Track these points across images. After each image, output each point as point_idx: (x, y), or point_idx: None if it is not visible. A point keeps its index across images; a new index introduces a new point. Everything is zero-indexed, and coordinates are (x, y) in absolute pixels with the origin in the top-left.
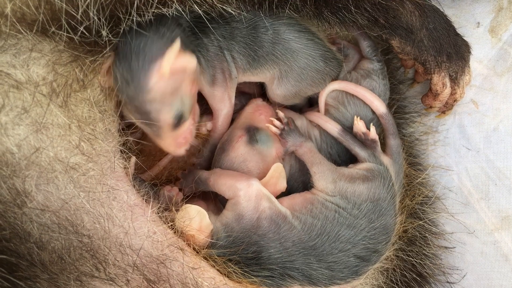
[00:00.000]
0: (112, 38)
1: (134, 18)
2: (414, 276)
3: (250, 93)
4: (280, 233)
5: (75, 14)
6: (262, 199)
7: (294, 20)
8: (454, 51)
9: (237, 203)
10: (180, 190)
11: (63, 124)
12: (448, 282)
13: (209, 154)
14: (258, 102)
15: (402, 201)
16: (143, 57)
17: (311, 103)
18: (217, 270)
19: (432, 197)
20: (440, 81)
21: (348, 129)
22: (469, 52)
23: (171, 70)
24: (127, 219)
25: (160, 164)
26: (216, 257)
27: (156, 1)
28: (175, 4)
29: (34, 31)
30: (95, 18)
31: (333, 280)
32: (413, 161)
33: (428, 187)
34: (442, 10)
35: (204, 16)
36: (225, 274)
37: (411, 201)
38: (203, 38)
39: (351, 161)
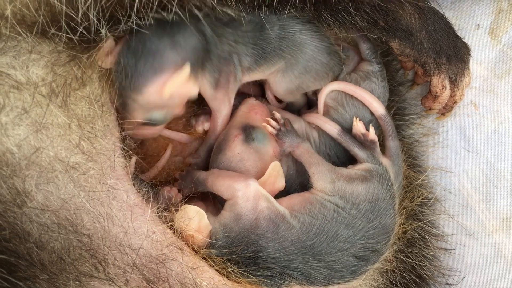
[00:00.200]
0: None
1: (134, 21)
2: (414, 277)
3: (245, 92)
4: (278, 232)
5: (75, 16)
6: (260, 199)
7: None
8: (453, 53)
9: (235, 203)
10: (179, 191)
11: (63, 124)
12: (447, 283)
13: (206, 154)
14: (253, 101)
15: (401, 202)
16: (151, 64)
17: (310, 105)
18: (216, 270)
19: (431, 199)
20: (440, 83)
21: (347, 130)
22: (469, 54)
23: (171, 93)
24: (127, 218)
25: (158, 165)
26: (215, 257)
27: (156, 4)
28: (175, 8)
29: (34, 33)
30: (95, 19)
31: (331, 280)
32: (412, 163)
33: (427, 189)
34: (442, 12)
35: (217, 21)
36: (224, 274)
37: (411, 202)
38: (217, 44)
39: (350, 163)
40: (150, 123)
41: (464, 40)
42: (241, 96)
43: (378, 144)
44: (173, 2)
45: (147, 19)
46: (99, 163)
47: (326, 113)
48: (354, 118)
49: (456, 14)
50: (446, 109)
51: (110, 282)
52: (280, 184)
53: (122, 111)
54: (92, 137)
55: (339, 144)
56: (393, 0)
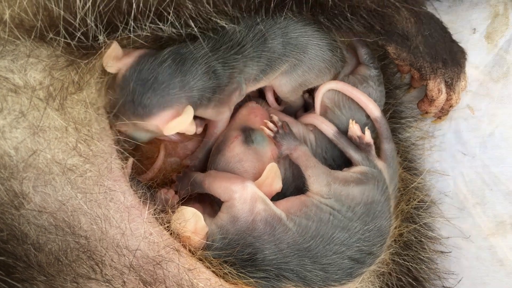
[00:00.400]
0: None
1: (132, 29)
2: (410, 280)
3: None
4: (275, 235)
5: (72, 21)
6: (257, 201)
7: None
8: (449, 58)
9: (232, 205)
10: (176, 192)
11: (60, 127)
12: (443, 286)
13: (204, 156)
14: (253, 104)
15: (397, 205)
16: (158, 99)
17: (306, 108)
18: (213, 271)
19: (427, 202)
20: (436, 87)
21: (343, 132)
22: (465, 58)
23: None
24: (124, 220)
25: (154, 167)
26: (212, 258)
27: (152, 13)
28: (171, 17)
29: (32, 37)
30: (93, 25)
31: (327, 282)
32: (409, 166)
33: (423, 192)
34: (438, 16)
35: (226, 51)
36: (220, 276)
37: (407, 205)
38: (229, 75)
39: (345, 165)
40: (132, 139)
41: (461, 44)
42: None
43: (373, 147)
44: (169, 9)
45: (145, 29)
46: (96, 165)
47: (323, 114)
48: (350, 121)
49: (452, 18)
50: (443, 113)
51: (107, 284)
52: (277, 185)
53: (111, 118)
54: (88, 140)
55: (334, 147)
56: (389, 5)
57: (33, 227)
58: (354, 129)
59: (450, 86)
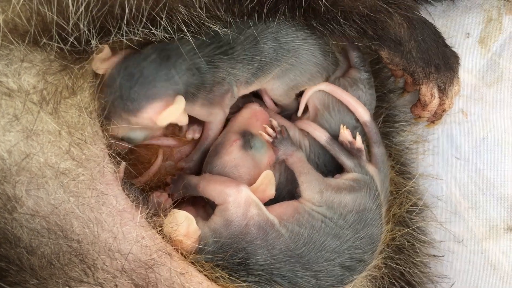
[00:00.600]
0: (100, 45)
1: (124, 33)
2: (403, 284)
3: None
4: (267, 240)
5: (65, 26)
6: (251, 206)
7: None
8: (442, 62)
9: (226, 209)
10: (169, 195)
11: (53, 131)
12: None
13: (199, 159)
14: (255, 107)
15: (390, 209)
16: (145, 92)
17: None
18: (205, 275)
19: (420, 205)
20: (429, 91)
21: (333, 136)
22: (458, 63)
23: (165, 121)
24: (116, 224)
25: (149, 171)
26: (204, 262)
27: (145, 18)
28: (163, 22)
29: (26, 42)
30: (85, 29)
31: None
32: (402, 170)
33: (417, 196)
34: (432, 21)
35: (213, 51)
36: (212, 280)
37: (399, 209)
38: (214, 74)
39: (337, 171)
40: (128, 141)
41: (454, 49)
42: (245, 99)
43: (364, 152)
44: (162, 14)
45: (138, 34)
46: (88, 169)
47: (314, 117)
48: (341, 126)
49: (446, 22)
50: (436, 117)
51: (99, 287)
52: (270, 192)
53: (105, 121)
54: (81, 144)
55: (327, 152)
56: (382, 10)
57: (25, 230)
58: (345, 134)
59: (443, 91)
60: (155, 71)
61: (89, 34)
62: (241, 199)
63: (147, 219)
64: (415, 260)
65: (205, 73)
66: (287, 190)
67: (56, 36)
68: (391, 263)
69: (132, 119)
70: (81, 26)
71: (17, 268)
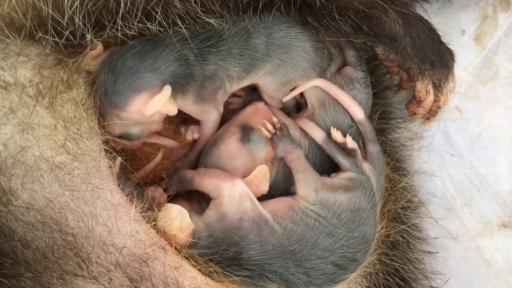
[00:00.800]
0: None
1: (119, 27)
2: (397, 280)
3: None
4: (261, 235)
5: (61, 20)
6: (245, 200)
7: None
8: (437, 59)
9: (220, 203)
10: (165, 190)
11: (49, 125)
12: (431, 286)
13: (195, 159)
14: (260, 105)
15: (385, 205)
16: (129, 84)
17: (299, 108)
18: (198, 269)
19: (415, 202)
20: (424, 88)
21: (328, 134)
22: (453, 60)
23: (152, 112)
24: (111, 218)
25: (146, 168)
26: (198, 257)
27: (140, 12)
28: (159, 16)
29: (22, 36)
30: (81, 23)
31: (309, 286)
32: (397, 166)
33: (411, 192)
34: (427, 18)
35: (201, 43)
36: (206, 274)
37: (394, 205)
38: (202, 66)
39: (333, 170)
40: (126, 137)
41: (450, 46)
42: (252, 97)
43: (359, 152)
44: (157, 9)
45: (133, 29)
46: (84, 163)
47: (311, 115)
48: (332, 128)
49: (442, 20)
50: (431, 114)
51: (94, 281)
52: (264, 188)
53: (100, 118)
54: (77, 138)
55: (324, 152)
56: (377, 6)
57: (20, 223)
58: (336, 135)
59: (438, 88)
60: (140, 62)
61: (84, 28)
62: (235, 192)
63: (141, 213)
64: (410, 256)
65: (194, 65)
66: (283, 188)
67: (52, 30)
68: (385, 260)
69: (121, 114)
70: (76, 20)
71: (11, 261)
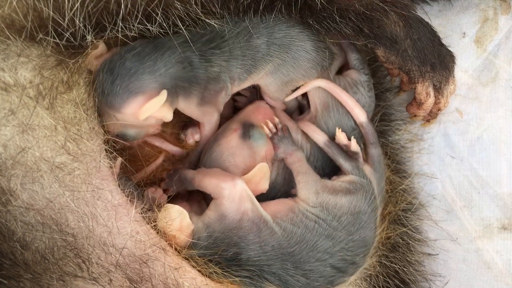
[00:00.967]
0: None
1: (120, 29)
2: (397, 282)
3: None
4: (260, 236)
5: (61, 22)
6: (245, 200)
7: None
8: (438, 61)
9: (220, 203)
10: (165, 191)
11: (49, 125)
12: None
13: (196, 156)
14: (261, 103)
15: (385, 207)
16: (127, 85)
17: (301, 110)
18: (198, 270)
19: (415, 204)
20: (424, 90)
21: (331, 137)
22: (454, 62)
23: (147, 116)
24: (111, 218)
25: (147, 169)
26: (197, 257)
27: (140, 13)
28: (159, 18)
29: (22, 37)
30: (81, 25)
31: None
32: (398, 168)
33: (412, 194)
34: (428, 21)
35: (204, 45)
36: (206, 275)
37: (394, 207)
38: (206, 68)
39: (334, 173)
40: (122, 138)
41: (450, 48)
42: (255, 95)
43: (361, 155)
44: (157, 10)
45: (133, 30)
46: (84, 163)
47: (314, 117)
48: (337, 129)
49: (442, 22)
50: (431, 116)
51: (94, 282)
52: (263, 186)
53: (99, 118)
54: (78, 139)
55: (325, 155)
56: (378, 8)
57: (20, 224)
58: (341, 137)
59: (438, 90)
60: (139, 63)
61: (84, 29)
62: (236, 193)
63: (141, 214)
64: (410, 259)
65: (198, 68)
66: (283, 191)
67: (52, 32)
68: (385, 262)
69: (117, 115)
70: (77, 21)
71: (10, 262)
